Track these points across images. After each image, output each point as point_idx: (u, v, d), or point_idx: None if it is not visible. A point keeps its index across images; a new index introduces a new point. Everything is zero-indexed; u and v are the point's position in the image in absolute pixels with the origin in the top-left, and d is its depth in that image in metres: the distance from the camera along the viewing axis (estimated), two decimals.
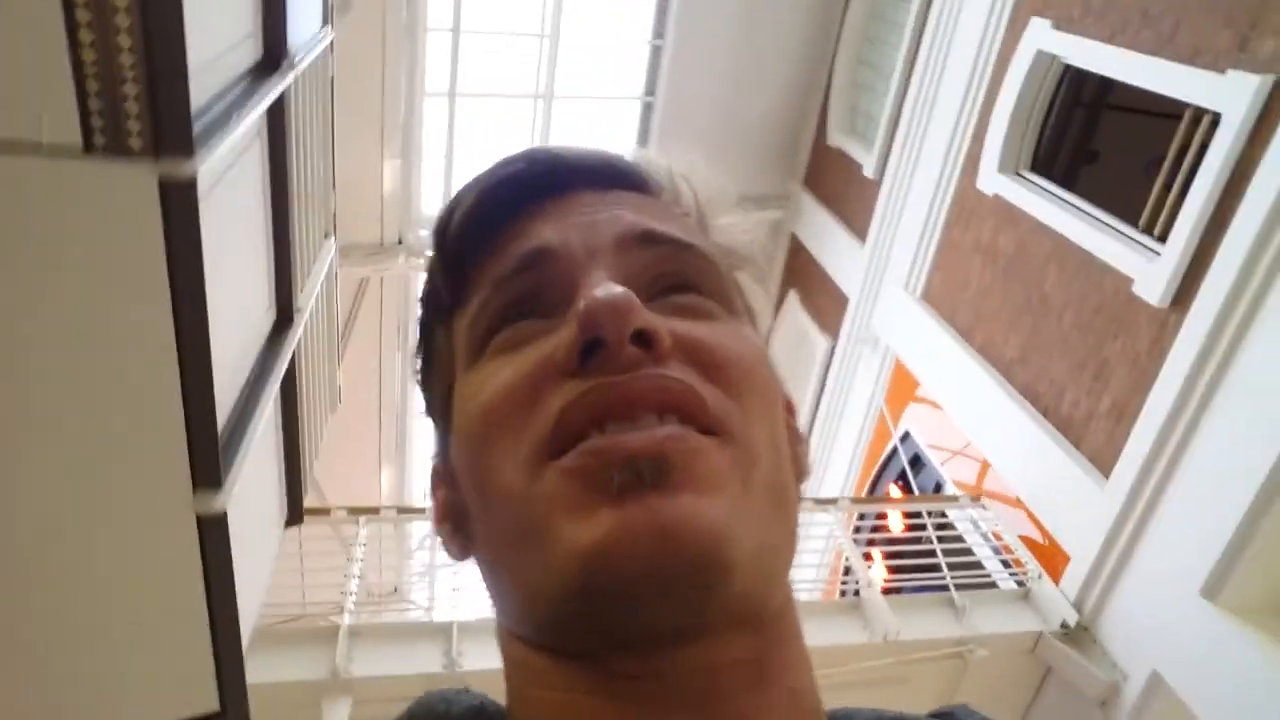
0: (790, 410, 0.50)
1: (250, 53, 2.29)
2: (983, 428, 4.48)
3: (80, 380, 1.90)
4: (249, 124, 2.10)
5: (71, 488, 2.00)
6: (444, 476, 0.49)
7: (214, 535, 2.11)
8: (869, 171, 5.81)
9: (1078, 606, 3.71)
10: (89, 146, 1.66)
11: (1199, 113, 3.38)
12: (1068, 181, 4.24)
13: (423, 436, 7.31)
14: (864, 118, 6.15)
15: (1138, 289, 3.52)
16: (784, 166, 7.06)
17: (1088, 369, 3.81)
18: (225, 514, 2.09)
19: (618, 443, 0.37)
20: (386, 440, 7.06)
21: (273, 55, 2.37)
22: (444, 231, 0.48)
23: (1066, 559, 3.83)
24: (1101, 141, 4.42)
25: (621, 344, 0.39)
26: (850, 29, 6.17)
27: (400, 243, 5.96)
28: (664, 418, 0.38)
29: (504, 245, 0.46)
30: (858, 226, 6.01)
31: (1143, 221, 3.65)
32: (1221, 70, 3.21)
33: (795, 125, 6.88)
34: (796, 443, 0.49)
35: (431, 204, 6.34)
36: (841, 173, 6.34)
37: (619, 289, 0.39)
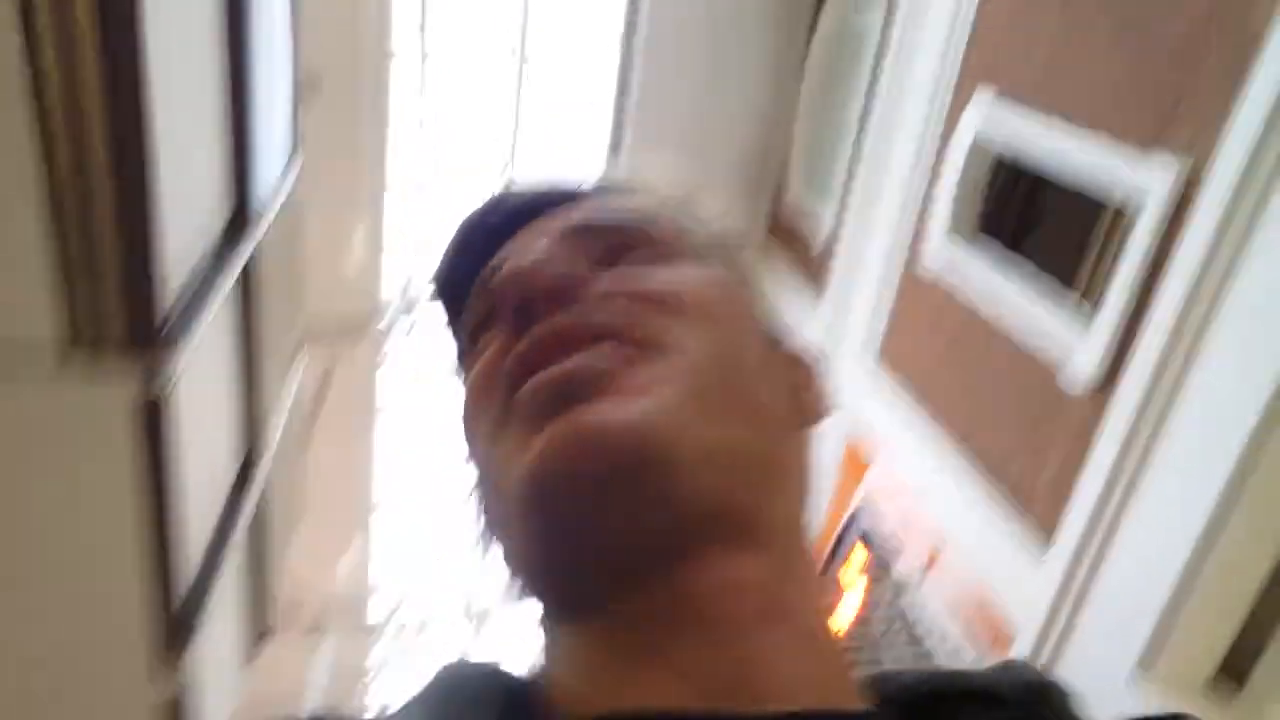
0: (792, 354, 0.51)
1: (221, 214, 2.23)
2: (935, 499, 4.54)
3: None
4: (220, 299, 2.06)
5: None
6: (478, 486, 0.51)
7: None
8: (825, 230, 5.93)
9: None
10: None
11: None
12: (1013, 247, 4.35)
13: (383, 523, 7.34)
14: (822, 176, 6.28)
15: (1070, 370, 3.62)
16: (747, 217, 7.11)
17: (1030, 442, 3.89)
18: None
19: (541, 375, 0.39)
20: (349, 524, 7.03)
21: (243, 211, 2.31)
22: (436, 289, 0.54)
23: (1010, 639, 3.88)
24: (1045, 211, 4.54)
25: (539, 302, 0.41)
26: (807, 95, 6.33)
27: (367, 322, 5.98)
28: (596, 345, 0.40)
29: (475, 283, 0.50)
30: (816, 282, 6.12)
31: (1081, 291, 3.76)
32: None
33: (758, 179, 6.97)
34: (797, 378, 0.49)
35: (397, 283, 6.40)
36: (800, 229, 6.46)
37: (526, 258, 0.43)
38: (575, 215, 0.49)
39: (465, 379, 0.49)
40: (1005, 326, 4.05)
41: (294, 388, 3.28)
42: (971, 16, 4.44)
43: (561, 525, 0.37)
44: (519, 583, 0.43)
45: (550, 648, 0.42)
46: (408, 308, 6.24)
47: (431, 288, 0.55)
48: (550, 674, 0.41)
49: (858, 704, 0.38)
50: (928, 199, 4.73)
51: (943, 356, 4.61)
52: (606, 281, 0.44)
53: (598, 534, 0.37)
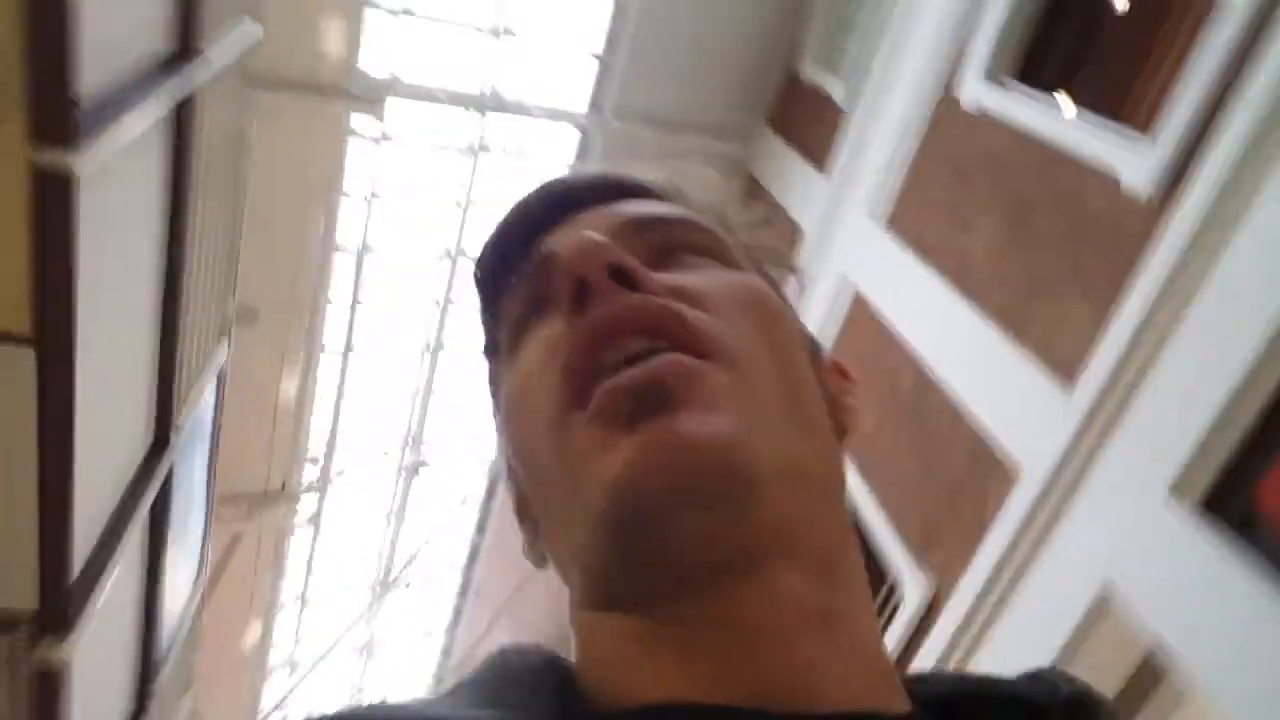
0: (829, 364, 0.52)
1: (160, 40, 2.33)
2: (945, 354, 4.27)
3: None
4: (146, 121, 2.14)
5: None
6: (510, 473, 0.53)
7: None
8: (840, 100, 5.61)
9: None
10: None
11: None
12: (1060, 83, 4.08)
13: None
14: (839, 47, 5.96)
15: (1126, 182, 3.35)
16: (749, 103, 6.84)
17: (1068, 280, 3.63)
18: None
19: (622, 378, 0.40)
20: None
21: (186, 45, 2.42)
22: (478, 272, 0.55)
23: None
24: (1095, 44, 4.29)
25: (601, 279, 0.41)
26: None
27: (283, 488, 5.88)
28: (656, 343, 0.40)
29: (522, 267, 0.50)
30: (821, 158, 5.80)
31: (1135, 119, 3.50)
32: None
33: (764, 59, 6.66)
34: (836, 389, 0.51)
35: (319, 441, 6.43)
36: (811, 106, 6.13)
37: (588, 236, 0.43)
38: (629, 209, 0.50)
39: (500, 363, 0.51)
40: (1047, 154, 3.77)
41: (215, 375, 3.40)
42: None
43: (645, 528, 0.37)
44: (569, 572, 0.44)
45: (588, 632, 0.43)
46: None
47: (476, 269, 0.55)
48: (592, 660, 0.42)
49: (900, 708, 0.41)
50: (965, 40, 4.42)
51: (963, 202, 4.32)
52: (664, 277, 0.44)
53: (678, 540, 0.37)
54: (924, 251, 4.54)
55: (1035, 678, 0.46)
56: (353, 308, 6.60)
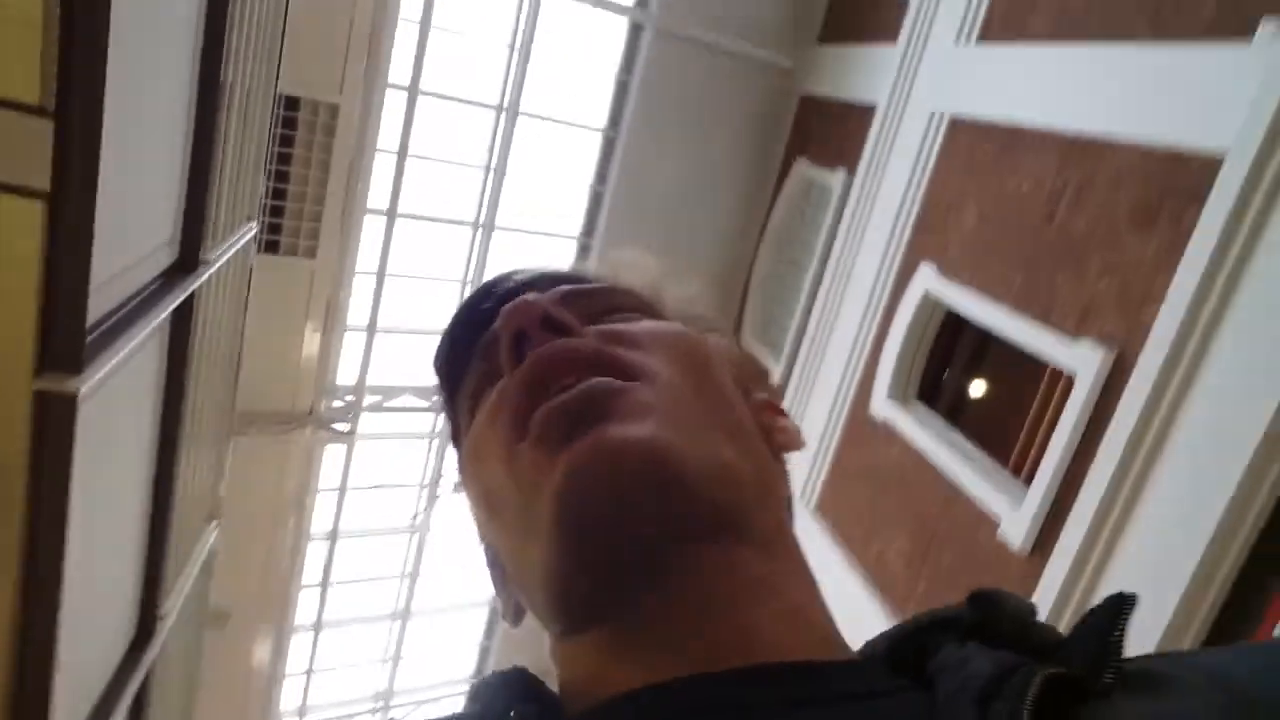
0: (762, 401, 0.56)
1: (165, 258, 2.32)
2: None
3: None
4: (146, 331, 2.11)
5: None
6: (486, 552, 0.56)
7: None
8: (776, 379, 6.08)
9: None
10: None
11: (1057, 370, 3.70)
12: (951, 415, 4.51)
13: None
14: (776, 327, 6.51)
15: (1003, 532, 3.69)
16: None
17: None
18: None
19: (555, 401, 0.44)
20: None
21: (191, 257, 2.41)
22: (435, 367, 0.59)
23: None
24: (986, 376, 4.75)
25: (535, 329, 0.47)
26: (768, 243, 6.66)
27: (310, 413, 5.97)
28: (586, 377, 0.45)
29: (474, 355, 0.55)
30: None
31: (1012, 463, 3.88)
32: (1074, 337, 3.55)
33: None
34: (768, 417, 0.54)
35: (348, 374, 6.44)
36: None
37: (522, 298, 0.48)
38: (563, 288, 0.55)
39: (464, 450, 0.54)
40: (944, 479, 4.12)
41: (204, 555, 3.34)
42: (919, 198, 4.78)
43: (593, 528, 0.41)
44: (537, 601, 0.47)
45: (566, 661, 0.45)
46: None
47: (434, 368, 0.60)
48: (568, 683, 0.45)
49: (839, 659, 0.43)
50: (875, 357, 4.91)
51: (879, 508, 4.65)
52: (595, 326, 0.50)
53: (623, 536, 0.41)
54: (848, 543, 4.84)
55: (975, 597, 0.44)
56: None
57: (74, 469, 1.75)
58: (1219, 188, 2.98)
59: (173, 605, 2.85)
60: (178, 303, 2.30)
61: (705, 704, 0.38)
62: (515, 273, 0.59)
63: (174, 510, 2.70)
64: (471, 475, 0.51)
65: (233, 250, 2.81)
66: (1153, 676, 0.35)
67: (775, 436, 0.54)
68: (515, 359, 0.47)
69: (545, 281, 0.57)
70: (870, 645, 0.46)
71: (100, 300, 1.77)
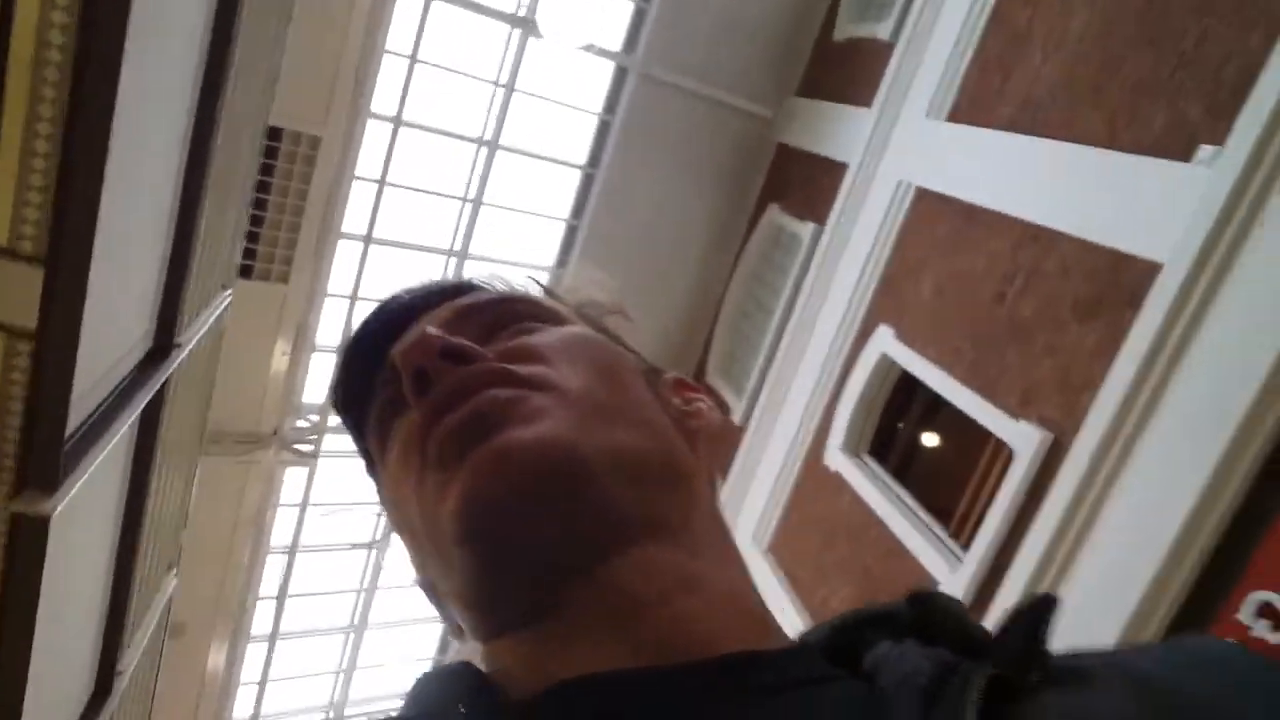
0: (671, 381, 0.57)
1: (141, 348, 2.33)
2: None
3: None
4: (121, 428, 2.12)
5: None
6: (421, 583, 0.55)
7: None
8: (738, 419, 6.23)
9: None
10: None
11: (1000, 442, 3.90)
12: (900, 471, 4.69)
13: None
14: (739, 367, 6.66)
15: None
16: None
17: None
18: None
19: (444, 425, 0.44)
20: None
21: (166, 341, 2.44)
22: (335, 396, 0.58)
23: None
24: (936, 435, 4.94)
25: (434, 364, 0.46)
26: (737, 283, 6.82)
27: (275, 433, 5.98)
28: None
29: (376, 382, 0.54)
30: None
31: (953, 526, 4.06)
32: (1015, 416, 3.74)
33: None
34: (679, 400, 0.55)
35: (316, 393, 6.46)
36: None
37: (416, 333, 0.49)
38: (459, 302, 0.55)
39: (378, 472, 0.54)
40: (890, 534, 4.29)
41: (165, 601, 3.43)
42: (883, 260, 4.96)
43: (497, 535, 0.41)
44: (464, 615, 0.47)
45: (493, 659, 0.46)
46: None
47: (331, 395, 0.58)
48: (501, 675, 0.44)
49: (776, 646, 0.43)
50: (829, 411, 5.08)
51: (828, 556, 4.82)
52: (495, 346, 0.50)
53: (531, 537, 0.41)
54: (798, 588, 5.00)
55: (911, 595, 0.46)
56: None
57: (43, 577, 1.79)
58: (1157, 290, 3.18)
59: (130, 660, 2.89)
60: (150, 396, 2.31)
61: (650, 694, 0.38)
62: (406, 290, 0.59)
63: (134, 578, 2.72)
64: (390, 506, 0.52)
65: (205, 326, 2.84)
66: (1078, 672, 0.37)
67: (688, 421, 0.53)
68: (418, 392, 0.46)
69: (437, 297, 0.57)
70: (807, 634, 0.47)
71: (77, 411, 1.80)
